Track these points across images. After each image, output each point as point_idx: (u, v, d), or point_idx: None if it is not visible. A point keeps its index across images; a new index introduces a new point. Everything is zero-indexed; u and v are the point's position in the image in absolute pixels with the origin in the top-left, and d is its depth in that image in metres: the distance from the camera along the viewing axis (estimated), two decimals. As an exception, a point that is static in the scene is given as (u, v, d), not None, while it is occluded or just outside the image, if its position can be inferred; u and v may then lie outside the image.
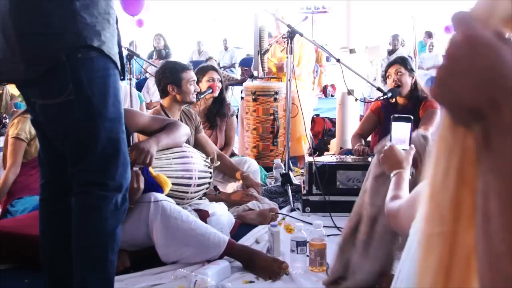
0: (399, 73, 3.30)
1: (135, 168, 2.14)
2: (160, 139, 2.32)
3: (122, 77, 1.62)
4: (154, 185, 2.23)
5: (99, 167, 1.55)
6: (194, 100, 3.16)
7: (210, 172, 2.57)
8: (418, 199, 1.16)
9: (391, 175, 1.57)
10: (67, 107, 1.48)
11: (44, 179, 1.71)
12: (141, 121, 2.44)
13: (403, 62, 3.34)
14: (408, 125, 1.74)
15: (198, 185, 2.47)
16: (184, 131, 2.45)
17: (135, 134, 2.88)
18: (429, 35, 10.74)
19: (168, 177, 2.29)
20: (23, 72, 1.48)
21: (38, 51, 1.46)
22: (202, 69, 3.64)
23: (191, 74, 3.13)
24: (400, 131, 1.75)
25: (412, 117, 1.80)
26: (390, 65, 3.39)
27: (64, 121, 1.52)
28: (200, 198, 2.59)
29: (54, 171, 1.68)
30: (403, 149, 1.65)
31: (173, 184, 2.32)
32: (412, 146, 1.69)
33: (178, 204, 2.36)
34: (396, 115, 1.81)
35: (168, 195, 2.28)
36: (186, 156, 2.46)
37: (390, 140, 1.72)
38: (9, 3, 1.47)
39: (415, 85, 3.33)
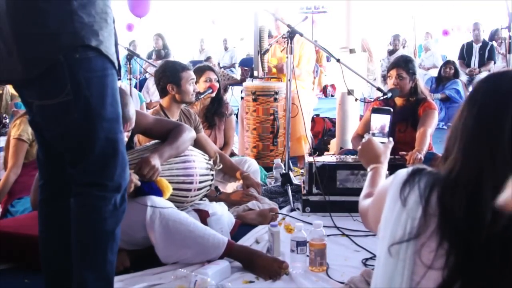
0: (400, 77, 3.31)
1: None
2: (163, 153, 2.30)
3: (118, 77, 1.61)
4: (154, 189, 2.22)
5: (98, 168, 1.54)
6: (193, 100, 3.17)
7: (212, 175, 2.56)
8: (382, 200, 1.14)
9: (368, 169, 1.54)
10: (65, 108, 1.48)
11: (43, 180, 1.70)
12: (145, 122, 2.43)
13: (406, 65, 3.33)
14: (387, 117, 1.72)
15: (199, 189, 2.46)
16: (188, 136, 2.43)
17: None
18: (429, 35, 10.76)
19: (168, 182, 2.28)
20: (21, 73, 1.47)
21: (35, 51, 1.45)
22: (199, 70, 3.64)
23: (191, 74, 3.13)
24: (379, 123, 1.73)
25: (392, 110, 1.79)
26: (393, 66, 3.39)
27: (62, 121, 1.51)
28: (200, 199, 2.59)
29: (52, 172, 1.68)
30: (382, 142, 1.62)
31: (173, 189, 2.31)
32: (390, 139, 1.66)
33: (177, 207, 2.35)
34: (376, 107, 1.80)
35: (167, 199, 2.27)
36: (188, 160, 2.44)
37: (369, 133, 1.70)
38: (5, 3, 1.46)
39: (415, 87, 3.33)
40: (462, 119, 1.04)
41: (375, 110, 1.77)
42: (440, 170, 1.06)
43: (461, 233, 0.97)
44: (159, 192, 2.23)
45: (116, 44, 1.59)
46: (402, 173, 1.09)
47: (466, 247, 0.96)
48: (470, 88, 5.50)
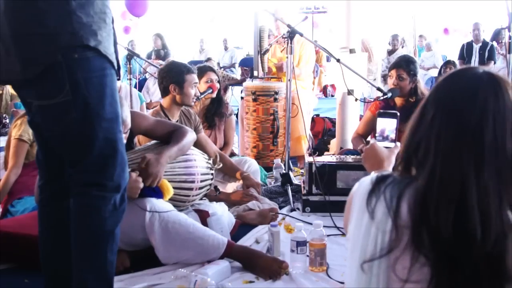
0: (400, 78, 3.31)
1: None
2: (171, 154, 2.30)
3: (118, 77, 1.61)
4: (155, 191, 2.22)
5: (97, 168, 1.54)
6: (193, 103, 3.18)
7: (212, 174, 2.56)
8: (349, 208, 1.10)
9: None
10: (64, 108, 1.48)
11: (42, 180, 1.70)
12: (146, 123, 2.43)
13: (407, 66, 3.33)
14: (393, 121, 1.66)
15: (200, 188, 2.47)
16: (190, 137, 2.44)
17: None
18: (423, 38, 10.70)
19: (171, 181, 2.28)
20: (19, 73, 1.47)
21: (34, 51, 1.45)
22: (200, 70, 3.64)
23: (194, 77, 3.15)
24: (385, 127, 1.67)
25: (398, 114, 1.76)
26: (394, 66, 3.38)
27: (61, 122, 1.51)
28: (201, 199, 2.59)
29: (52, 172, 1.68)
30: (387, 147, 1.57)
31: (175, 188, 2.31)
32: (398, 144, 1.61)
33: (179, 207, 2.35)
34: (382, 111, 1.75)
35: (170, 198, 2.27)
36: (190, 159, 2.44)
37: (375, 137, 1.66)
38: (4, 3, 1.46)
39: (415, 88, 3.33)
40: (434, 127, 0.99)
41: (381, 114, 1.71)
42: (405, 176, 1.02)
43: (448, 252, 0.93)
44: (159, 194, 2.23)
45: (115, 44, 1.59)
46: (366, 181, 1.05)
47: (453, 265, 0.93)
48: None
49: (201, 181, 2.46)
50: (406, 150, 1.04)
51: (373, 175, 1.05)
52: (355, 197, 1.06)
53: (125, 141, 2.25)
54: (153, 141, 2.51)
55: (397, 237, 0.96)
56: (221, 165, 2.68)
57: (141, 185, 2.15)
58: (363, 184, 1.05)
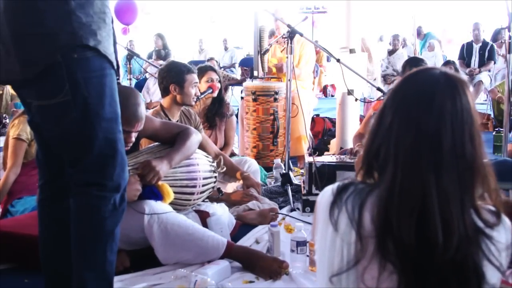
0: None
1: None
2: (174, 158, 2.30)
3: (117, 77, 1.61)
4: (155, 193, 2.22)
5: (97, 168, 1.54)
6: (193, 103, 3.18)
7: (215, 177, 2.55)
8: (316, 215, 1.09)
9: None
10: (63, 108, 1.48)
11: (42, 180, 1.70)
12: (152, 126, 2.41)
13: (417, 66, 3.33)
14: None
15: (201, 192, 2.46)
16: (195, 139, 2.42)
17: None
18: (419, 32, 10.57)
19: (172, 186, 2.27)
20: (19, 73, 1.47)
21: (33, 51, 1.45)
22: (201, 70, 3.64)
23: (195, 77, 3.14)
24: None
25: None
26: (408, 65, 3.37)
27: (60, 121, 1.51)
28: (203, 201, 2.59)
29: (52, 172, 1.68)
30: None
31: (176, 193, 2.30)
32: None
33: (180, 210, 2.34)
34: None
35: (170, 202, 2.27)
36: (192, 164, 2.43)
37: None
38: (3, 3, 1.46)
39: None
40: (392, 132, 0.98)
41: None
42: (366, 184, 1.01)
43: (412, 259, 0.93)
44: (159, 197, 2.22)
45: (114, 44, 1.59)
46: (328, 192, 1.03)
47: (419, 272, 0.92)
48: (471, 88, 5.50)
49: (203, 185, 2.45)
50: (367, 155, 1.03)
51: (335, 185, 1.03)
52: (319, 208, 1.04)
53: (133, 140, 2.25)
54: (156, 143, 2.49)
55: (362, 247, 0.95)
56: (224, 168, 2.68)
57: (140, 187, 2.15)
58: (325, 195, 1.03)
